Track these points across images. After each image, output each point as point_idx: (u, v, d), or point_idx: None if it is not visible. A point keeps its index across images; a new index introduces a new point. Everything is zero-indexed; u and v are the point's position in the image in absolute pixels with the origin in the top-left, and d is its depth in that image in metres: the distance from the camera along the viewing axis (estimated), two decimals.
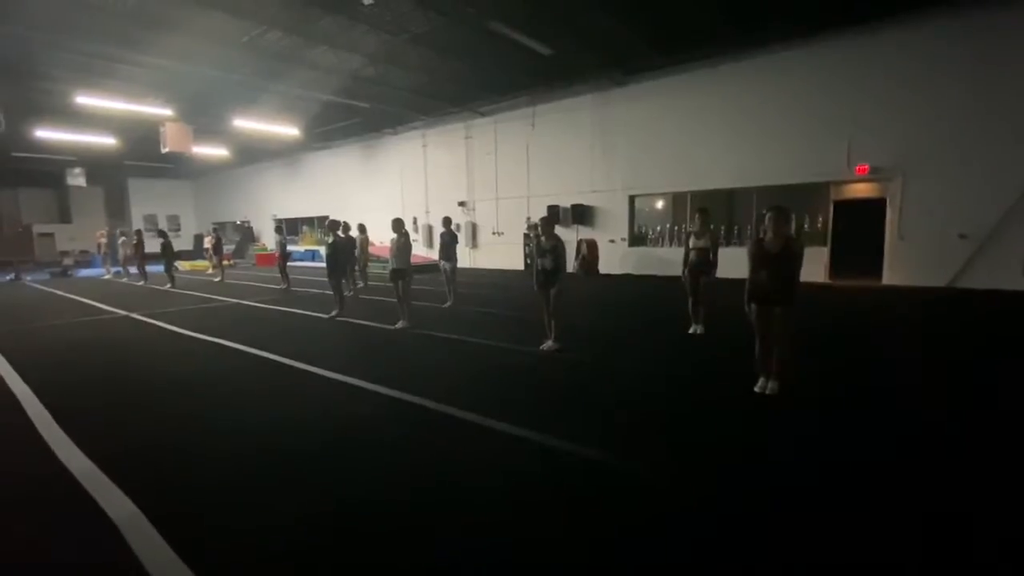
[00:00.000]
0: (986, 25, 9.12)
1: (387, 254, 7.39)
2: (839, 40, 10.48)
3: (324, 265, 8.74)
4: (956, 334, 6.47)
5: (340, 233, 8.51)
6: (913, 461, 2.99)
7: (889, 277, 10.62)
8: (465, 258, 17.92)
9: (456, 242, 9.59)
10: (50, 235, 25.53)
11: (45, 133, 16.11)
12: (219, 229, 16.46)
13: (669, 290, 10.58)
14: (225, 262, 21.81)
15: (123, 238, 16.55)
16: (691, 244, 6.21)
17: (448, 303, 9.02)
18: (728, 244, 12.29)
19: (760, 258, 3.98)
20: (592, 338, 6.50)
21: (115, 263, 16.78)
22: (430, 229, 18.95)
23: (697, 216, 6.24)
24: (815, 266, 11.17)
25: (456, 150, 18.08)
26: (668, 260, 13.30)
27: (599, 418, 3.83)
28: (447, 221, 9.60)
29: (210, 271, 15.29)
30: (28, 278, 17.58)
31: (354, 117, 17.20)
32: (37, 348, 6.61)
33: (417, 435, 3.55)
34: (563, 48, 11.00)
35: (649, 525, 2.40)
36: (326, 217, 21.83)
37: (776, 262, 3.90)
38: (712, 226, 6.55)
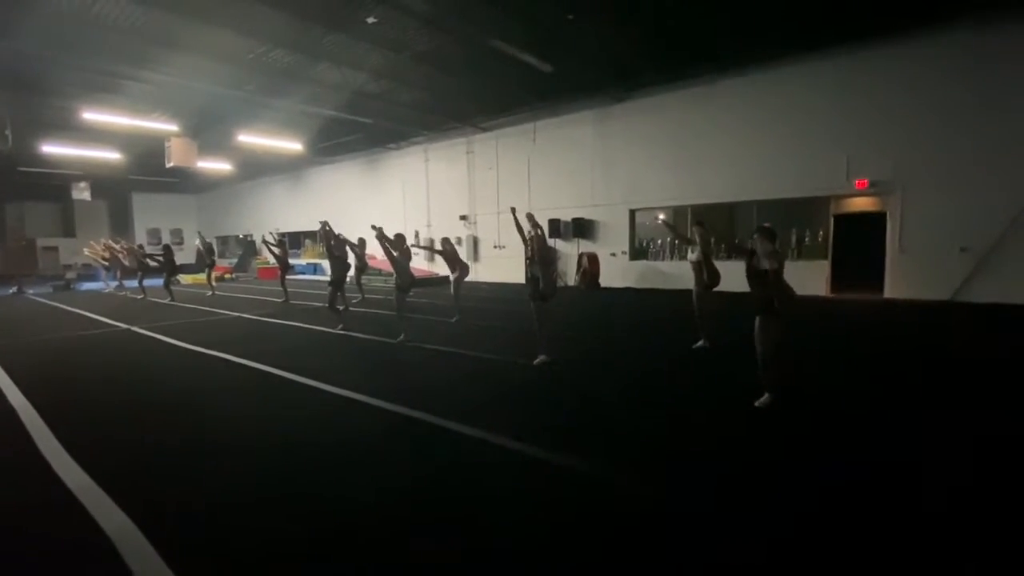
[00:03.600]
0: (985, 38, 9.21)
1: (386, 267, 7.38)
2: (836, 55, 10.59)
3: (325, 278, 8.72)
4: (956, 347, 6.43)
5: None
6: (902, 482, 2.96)
7: (891, 290, 10.59)
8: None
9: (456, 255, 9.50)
10: (54, 249, 25.67)
11: (51, 148, 16.25)
12: (210, 243, 16.37)
13: (671, 304, 10.57)
14: (228, 275, 21.94)
15: (122, 252, 16.51)
16: (688, 257, 6.23)
17: (456, 317, 8.94)
18: (729, 257, 12.28)
19: (749, 274, 4.03)
20: (592, 351, 6.47)
21: (114, 277, 16.79)
22: (432, 243, 19.00)
23: (693, 229, 6.27)
24: (816, 279, 11.17)
25: (458, 164, 18.22)
26: (670, 274, 13.31)
27: (589, 431, 3.80)
28: (446, 241, 9.54)
29: (214, 284, 15.27)
30: (30, 291, 17.63)
31: (357, 132, 17.35)
32: (37, 361, 6.60)
33: (414, 449, 3.53)
34: (563, 65, 11.13)
35: (637, 536, 2.38)
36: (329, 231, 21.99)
37: (762, 277, 3.94)
38: (712, 240, 6.57)
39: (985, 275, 9.56)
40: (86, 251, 17.58)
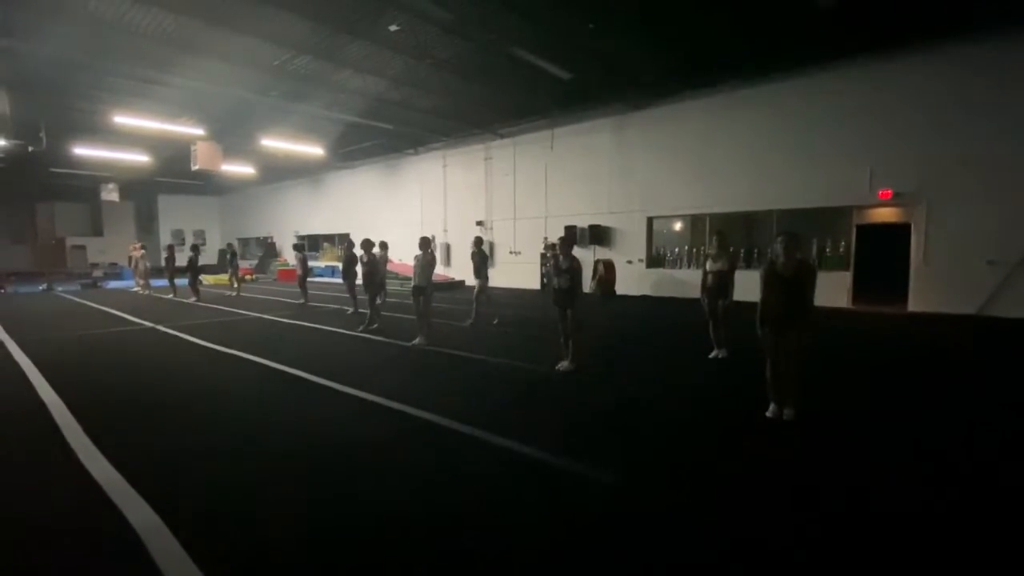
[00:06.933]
0: (1010, 49, 9.01)
1: (408, 271, 7.44)
2: (859, 65, 10.43)
3: (341, 281, 8.83)
4: (984, 365, 6.27)
5: (375, 251, 8.59)
6: (923, 503, 2.90)
7: (915, 303, 10.36)
8: None
9: (486, 262, 9.55)
10: (82, 247, 26.43)
11: (82, 151, 16.76)
12: (232, 245, 16.64)
13: (688, 312, 10.47)
14: (249, 276, 22.33)
15: (142, 252, 16.86)
16: (708, 267, 6.19)
17: (470, 321, 9.06)
18: (748, 267, 12.15)
19: (772, 281, 3.97)
20: (609, 359, 6.45)
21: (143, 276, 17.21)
22: (448, 248, 19.17)
23: (714, 239, 6.23)
24: (837, 291, 10.97)
25: (475, 170, 18.33)
26: (686, 282, 13.19)
27: (608, 439, 3.79)
28: (479, 241, 9.55)
29: (235, 286, 15.53)
30: (59, 289, 18.15)
31: (377, 138, 17.58)
32: (66, 357, 6.80)
33: (429, 453, 3.56)
34: (582, 73, 11.17)
35: (644, 543, 2.37)
36: (347, 235, 22.30)
37: (789, 285, 3.89)
38: (731, 249, 6.50)
39: (1013, 288, 9.30)
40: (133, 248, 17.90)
